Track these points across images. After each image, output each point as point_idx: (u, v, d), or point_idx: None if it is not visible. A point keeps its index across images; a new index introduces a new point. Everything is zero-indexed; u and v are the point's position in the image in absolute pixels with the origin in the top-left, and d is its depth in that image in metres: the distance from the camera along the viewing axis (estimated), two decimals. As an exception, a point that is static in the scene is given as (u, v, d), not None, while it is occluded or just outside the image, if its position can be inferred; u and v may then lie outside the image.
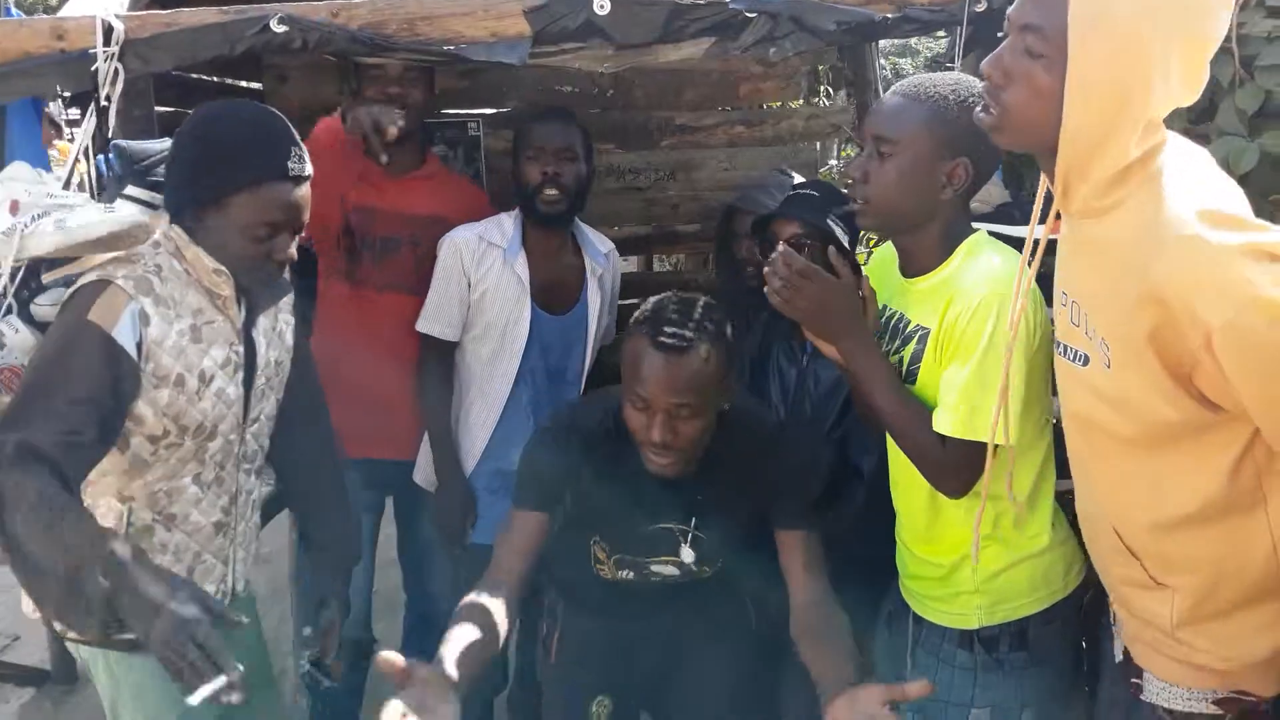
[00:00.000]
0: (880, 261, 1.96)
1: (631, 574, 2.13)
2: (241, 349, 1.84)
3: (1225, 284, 1.21)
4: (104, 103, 1.93)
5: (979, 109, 1.44)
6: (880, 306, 1.84)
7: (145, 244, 1.74)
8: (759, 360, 2.56)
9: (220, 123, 1.75)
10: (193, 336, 1.73)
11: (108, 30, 1.87)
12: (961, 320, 1.64)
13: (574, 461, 1.99)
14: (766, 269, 1.72)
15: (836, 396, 2.32)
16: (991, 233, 1.83)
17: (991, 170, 1.79)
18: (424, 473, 2.61)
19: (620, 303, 3.68)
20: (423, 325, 2.50)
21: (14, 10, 2.18)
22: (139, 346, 1.65)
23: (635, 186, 3.25)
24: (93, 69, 1.89)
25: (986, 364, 1.61)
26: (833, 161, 3.72)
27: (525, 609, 2.18)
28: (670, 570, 2.11)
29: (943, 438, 1.66)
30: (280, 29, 1.92)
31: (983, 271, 1.67)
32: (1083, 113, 1.29)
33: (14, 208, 1.70)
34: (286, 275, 1.98)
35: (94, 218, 1.68)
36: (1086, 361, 1.44)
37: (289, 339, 2.00)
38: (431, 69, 2.43)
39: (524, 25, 1.97)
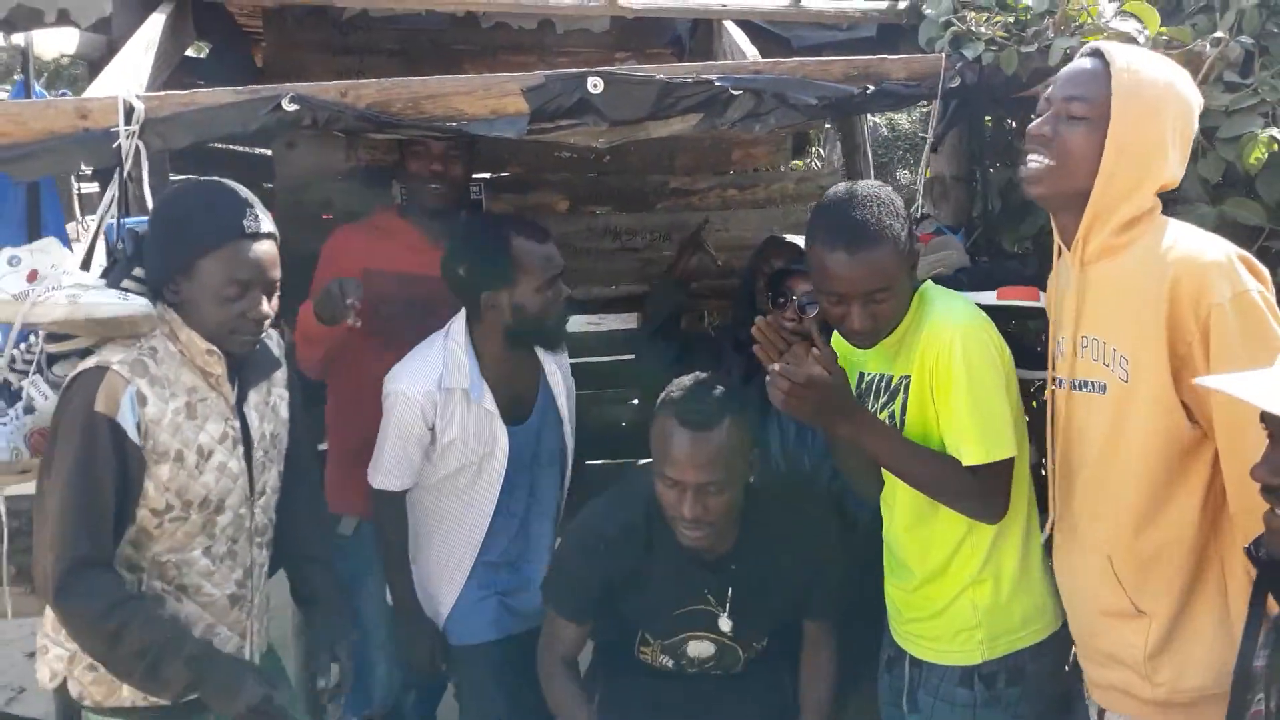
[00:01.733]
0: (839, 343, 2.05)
1: (670, 660, 2.22)
2: (238, 424, 1.92)
3: (1224, 274, 1.56)
4: (126, 178, 2.03)
5: (1023, 163, 1.72)
6: (859, 375, 1.98)
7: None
8: (759, 414, 2.63)
9: (180, 196, 1.89)
10: (188, 414, 1.83)
11: (129, 110, 1.97)
12: (941, 362, 1.79)
13: (606, 568, 2.12)
14: (768, 378, 1.80)
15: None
16: None
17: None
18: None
19: (618, 359, 3.78)
20: (379, 482, 2.37)
21: (40, 91, 2.29)
22: (138, 427, 1.75)
23: (631, 247, 3.36)
24: (115, 146, 1.98)
25: (976, 390, 1.77)
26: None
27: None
28: (707, 646, 2.19)
29: (966, 470, 1.78)
30: (291, 108, 2.01)
31: (945, 312, 1.84)
32: (1116, 164, 1.64)
33: (32, 276, 1.81)
34: (278, 350, 2.07)
35: (106, 299, 1.78)
36: (1105, 390, 1.70)
37: (283, 412, 2.07)
38: (471, 146, 2.56)
39: (522, 103, 2.07)
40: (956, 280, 2.03)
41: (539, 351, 2.49)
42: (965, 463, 1.78)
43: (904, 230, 1.82)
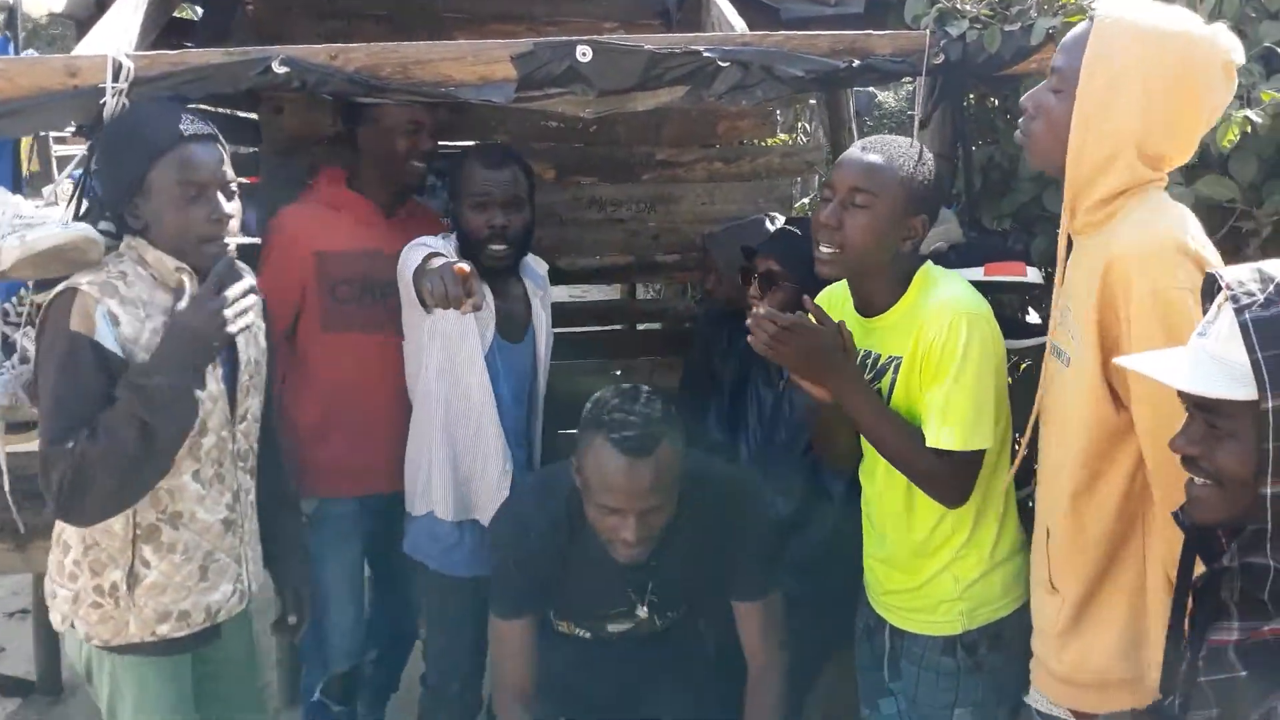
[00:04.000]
0: (828, 308, 2.06)
1: (588, 633, 2.20)
2: None
3: (1156, 265, 1.49)
4: None
5: (1018, 133, 1.71)
6: None
7: (107, 256, 1.87)
8: (737, 385, 2.67)
9: (118, 121, 1.92)
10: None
11: (118, 68, 1.98)
12: (937, 343, 1.79)
13: (535, 557, 2.06)
14: (750, 321, 1.82)
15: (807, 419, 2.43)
16: None
17: (933, 224, 1.96)
18: (418, 500, 2.55)
19: (603, 329, 3.79)
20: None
21: (27, 50, 2.28)
22: (117, 344, 1.78)
23: (617, 218, 3.37)
24: (100, 103, 1.99)
25: (967, 379, 1.77)
26: (804, 200, 3.86)
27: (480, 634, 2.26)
28: (626, 626, 2.18)
29: (939, 453, 1.79)
30: (281, 70, 2.02)
31: (946, 297, 1.84)
32: (1083, 138, 1.57)
33: None
34: (252, 279, 2.03)
35: (46, 231, 1.82)
36: (1069, 363, 1.65)
37: (262, 341, 2.09)
38: (432, 118, 2.53)
39: (510, 70, 2.09)
40: (944, 256, 2.05)
41: (526, 285, 2.52)
42: (943, 446, 1.78)
43: (922, 188, 1.85)
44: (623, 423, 1.90)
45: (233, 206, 1.90)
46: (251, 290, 1.93)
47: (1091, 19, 1.60)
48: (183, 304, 1.80)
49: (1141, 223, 1.55)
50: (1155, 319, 1.48)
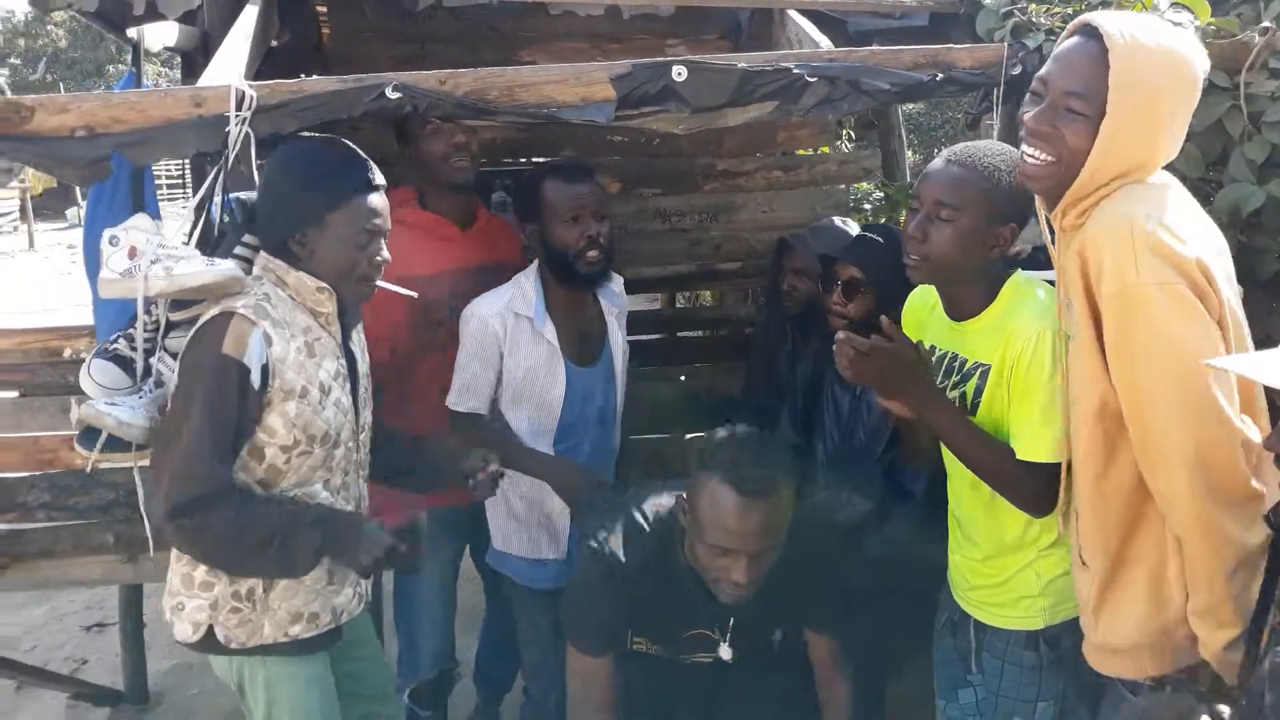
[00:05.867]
0: (918, 307, 2.15)
1: (666, 654, 2.19)
2: (344, 361, 2.06)
3: (1120, 261, 1.51)
4: (231, 162, 2.14)
5: (1025, 158, 1.68)
6: (929, 347, 2.03)
7: (248, 279, 1.97)
8: (813, 389, 2.73)
9: (305, 154, 2.02)
10: (308, 352, 1.96)
11: (240, 97, 2.09)
12: (1025, 356, 1.84)
13: (622, 597, 2.06)
14: (835, 345, 1.86)
15: (889, 423, 2.47)
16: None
17: (1024, 228, 2.00)
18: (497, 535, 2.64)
19: (657, 337, 3.83)
20: (452, 401, 2.50)
21: (146, 83, 2.40)
22: (264, 367, 1.87)
23: (680, 228, 3.48)
24: (225, 130, 2.09)
25: (1054, 393, 1.81)
26: (866, 206, 3.95)
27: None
28: (706, 660, 2.16)
29: (1027, 465, 1.85)
30: (394, 96, 2.12)
31: (1034, 310, 1.88)
32: (1104, 157, 1.57)
33: (132, 252, 1.95)
34: None
35: (197, 268, 1.92)
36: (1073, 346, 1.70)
37: (368, 356, 2.21)
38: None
39: (610, 90, 2.18)
40: (1035, 259, 2.12)
41: (602, 304, 2.58)
42: (1035, 459, 1.83)
43: (1007, 197, 1.86)
44: (745, 464, 1.92)
45: (387, 253, 2.04)
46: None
47: (1093, 33, 1.58)
48: (371, 530, 1.93)
49: (1112, 215, 1.56)
50: (1118, 314, 1.52)
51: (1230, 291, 1.59)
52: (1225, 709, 1.40)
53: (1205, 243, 1.57)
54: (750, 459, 1.93)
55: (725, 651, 2.14)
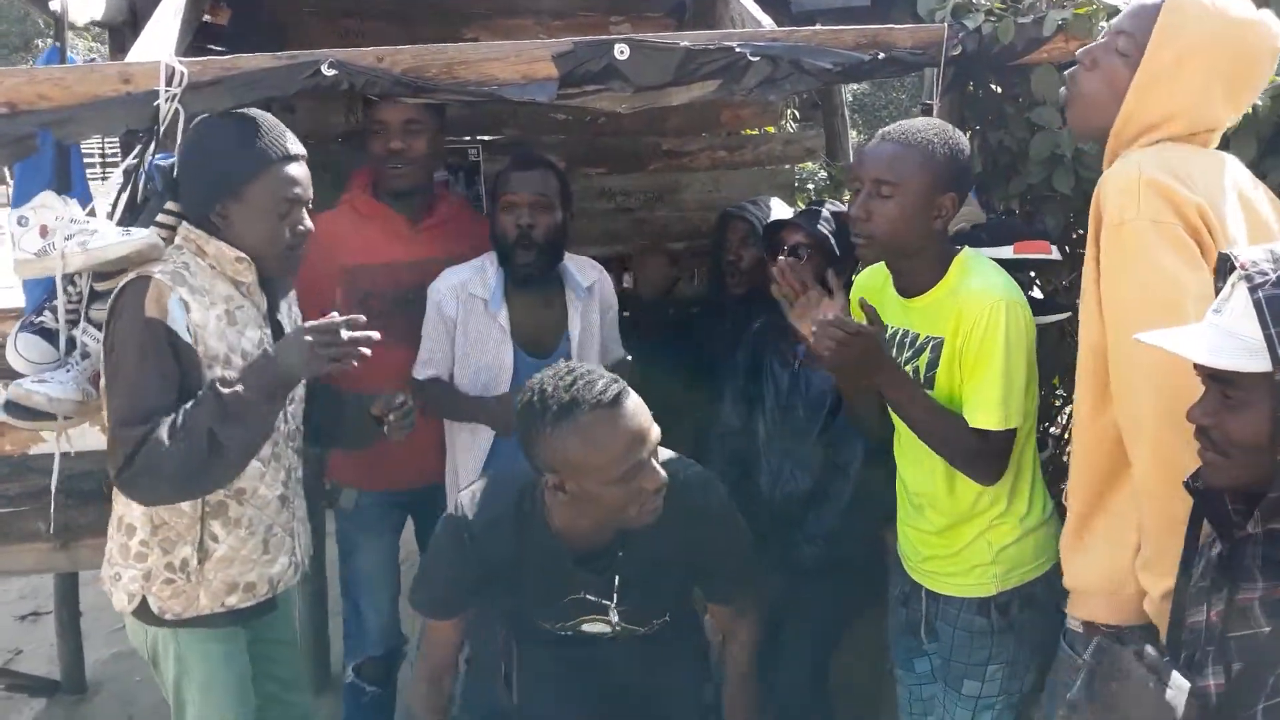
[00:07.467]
0: (868, 286, 2.18)
1: (571, 632, 2.14)
2: (269, 332, 2.04)
3: (1123, 198, 1.56)
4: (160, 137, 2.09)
5: (1063, 87, 1.77)
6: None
7: (169, 248, 1.96)
8: (753, 366, 2.76)
9: (220, 128, 2.00)
10: (229, 320, 1.95)
11: (171, 73, 2.03)
12: (978, 329, 1.89)
13: (471, 563, 1.99)
14: (815, 329, 1.89)
15: (826, 400, 2.54)
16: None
17: (964, 198, 2.05)
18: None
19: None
20: (419, 372, 2.53)
21: (73, 57, 2.32)
22: (188, 329, 1.86)
23: (626, 208, 3.47)
24: (154, 106, 2.04)
25: (1006, 363, 1.88)
26: (810, 185, 3.97)
27: (483, 648, 2.25)
28: (602, 626, 2.12)
29: (978, 433, 1.90)
30: (330, 73, 2.09)
31: (984, 284, 1.93)
32: (1140, 101, 1.64)
33: (44, 231, 1.93)
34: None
35: (113, 239, 1.90)
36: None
37: None
38: (440, 121, 2.55)
39: (552, 69, 2.16)
40: (975, 236, 2.15)
41: (567, 294, 2.55)
42: (983, 427, 1.89)
43: (945, 167, 1.91)
44: (567, 394, 1.81)
45: (308, 220, 2.02)
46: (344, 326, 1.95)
47: None
48: (288, 333, 1.90)
49: (1126, 161, 1.62)
50: (1116, 249, 1.57)
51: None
52: (1151, 649, 1.45)
53: (1221, 197, 1.59)
54: (562, 385, 1.81)
55: (614, 614, 2.07)
